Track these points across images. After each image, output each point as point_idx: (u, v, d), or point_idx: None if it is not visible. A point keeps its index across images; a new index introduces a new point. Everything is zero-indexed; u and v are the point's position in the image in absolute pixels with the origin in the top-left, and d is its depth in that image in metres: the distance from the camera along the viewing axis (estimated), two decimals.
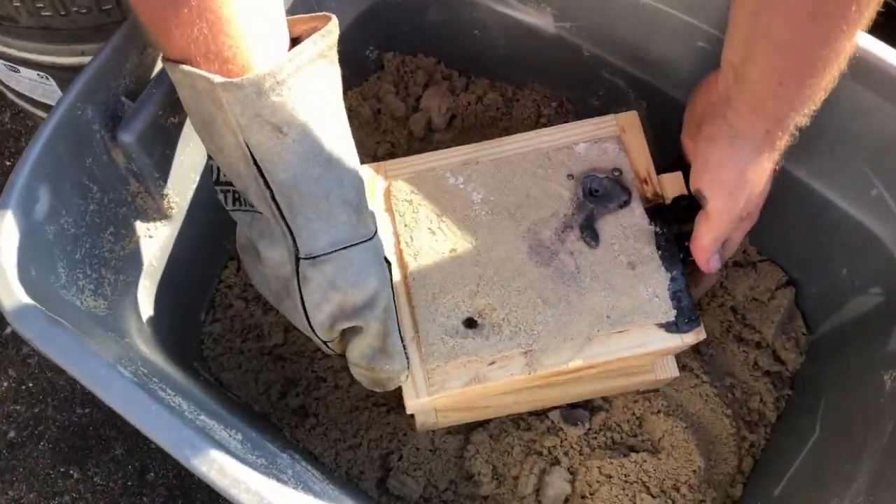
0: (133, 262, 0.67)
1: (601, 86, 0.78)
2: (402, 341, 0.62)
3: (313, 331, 0.59)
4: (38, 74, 0.81)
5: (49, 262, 0.59)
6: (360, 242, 0.57)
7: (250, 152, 0.52)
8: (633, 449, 0.76)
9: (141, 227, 0.67)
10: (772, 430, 0.79)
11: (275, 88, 0.50)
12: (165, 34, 0.49)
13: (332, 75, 0.54)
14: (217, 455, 0.50)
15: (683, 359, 0.79)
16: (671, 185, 0.68)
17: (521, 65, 0.83)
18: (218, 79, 0.49)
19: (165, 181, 0.66)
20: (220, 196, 0.59)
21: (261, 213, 0.56)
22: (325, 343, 0.61)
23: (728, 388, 0.79)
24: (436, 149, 0.74)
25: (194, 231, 0.72)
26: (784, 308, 0.80)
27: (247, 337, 0.81)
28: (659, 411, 0.76)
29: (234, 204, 0.58)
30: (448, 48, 0.84)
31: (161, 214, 0.68)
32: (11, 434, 0.92)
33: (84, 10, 0.73)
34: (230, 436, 0.60)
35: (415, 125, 0.84)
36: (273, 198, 0.53)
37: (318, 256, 0.55)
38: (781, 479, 0.73)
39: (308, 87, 0.52)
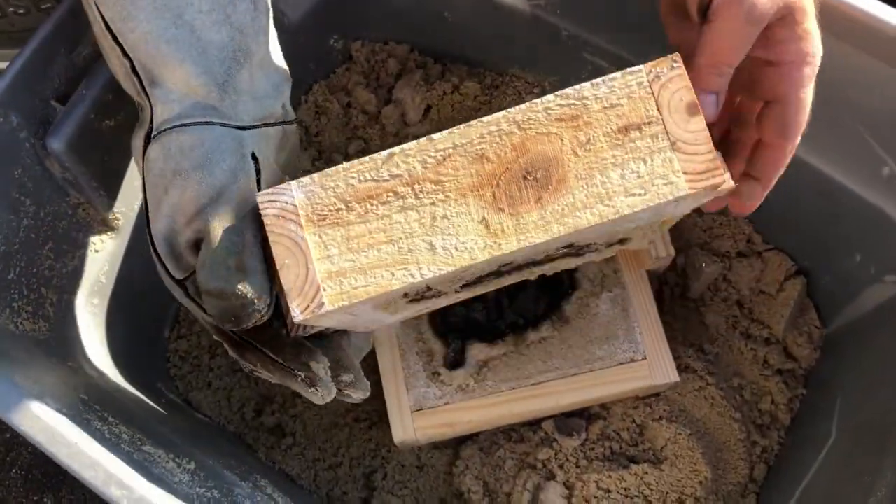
0: (78, 279, 0.63)
1: (583, 68, 0.72)
2: (266, 261, 0.45)
3: (162, 263, 0.47)
4: None
5: None
6: (218, 124, 0.47)
7: (100, 13, 0.46)
8: (633, 460, 0.71)
9: (84, 240, 0.63)
10: (786, 433, 0.74)
11: None
12: None
13: None
14: (148, 492, 0.47)
15: (685, 359, 0.73)
16: None
17: (498, 49, 0.77)
18: None
19: (107, 190, 0.61)
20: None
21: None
22: (183, 289, 0.48)
23: (736, 389, 0.74)
24: None
25: (147, 242, 0.67)
26: (794, 300, 0.75)
27: (215, 353, 0.76)
28: (661, 417, 0.71)
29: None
30: (421, 34, 0.80)
31: (106, 226, 0.64)
32: None
33: (22, 11, 0.68)
34: (179, 465, 0.55)
35: (388, 119, 0.78)
36: (134, 69, 0.47)
37: (163, 130, 0.46)
38: (796, 488, 0.68)
39: None
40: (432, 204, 0.43)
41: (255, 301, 0.44)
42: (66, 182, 0.59)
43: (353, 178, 0.43)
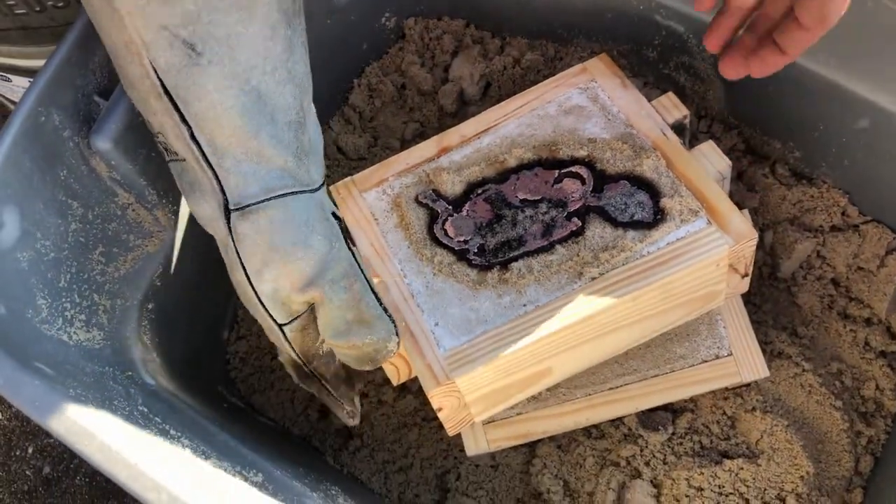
0: (131, 283, 0.60)
1: (656, 34, 0.67)
2: (382, 303, 0.52)
3: (265, 309, 0.50)
4: (29, 81, 0.74)
5: (25, 294, 0.52)
6: (300, 192, 0.48)
7: (159, 79, 0.44)
8: (726, 455, 0.66)
9: (136, 242, 0.60)
10: (893, 421, 0.68)
11: None
12: None
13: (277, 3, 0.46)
14: None
15: (778, 345, 0.68)
16: None
17: (560, 17, 0.72)
18: None
19: (156, 188, 0.58)
20: (160, 146, 0.50)
21: (185, 159, 0.47)
22: (281, 331, 0.51)
23: (835, 374, 0.69)
24: None
25: (201, 241, 0.63)
26: None
27: (277, 353, 0.72)
28: (754, 409, 0.66)
29: (168, 154, 0.49)
30: (477, 7, 0.75)
31: (158, 226, 0.60)
32: (47, 469, 0.87)
33: (61, 4, 0.65)
34: (246, 478, 0.52)
35: (445, 98, 0.74)
36: (192, 136, 0.45)
37: (248, 206, 0.47)
38: None
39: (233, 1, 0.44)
40: None
41: (387, 344, 0.51)
42: (114, 182, 0.56)
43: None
